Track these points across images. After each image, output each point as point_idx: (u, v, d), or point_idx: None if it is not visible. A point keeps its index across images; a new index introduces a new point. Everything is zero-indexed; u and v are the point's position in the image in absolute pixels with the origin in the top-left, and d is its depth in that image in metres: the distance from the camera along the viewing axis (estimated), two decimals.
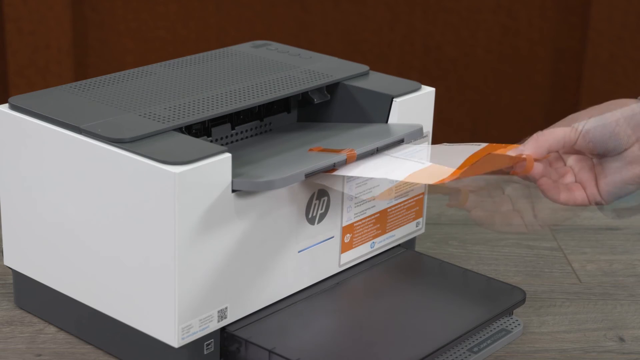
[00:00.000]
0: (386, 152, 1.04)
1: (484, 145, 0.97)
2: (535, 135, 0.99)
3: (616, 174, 0.98)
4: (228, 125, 1.11)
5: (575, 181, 1.01)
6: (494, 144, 0.98)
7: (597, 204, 1.00)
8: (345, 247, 1.10)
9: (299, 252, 1.05)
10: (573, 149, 1.00)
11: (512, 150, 0.98)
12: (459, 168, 0.93)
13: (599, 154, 0.99)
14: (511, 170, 0.99)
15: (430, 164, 0.99)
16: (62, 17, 2.20)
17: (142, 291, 0.96)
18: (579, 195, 1.00)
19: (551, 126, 0.99)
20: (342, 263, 1.11)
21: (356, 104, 1.14)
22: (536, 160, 0.98)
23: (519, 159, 0.98)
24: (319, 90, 1.14)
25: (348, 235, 1.10)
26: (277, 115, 1.17)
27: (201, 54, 1.19)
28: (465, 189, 0.99)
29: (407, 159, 1.02)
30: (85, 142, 0.96)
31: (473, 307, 1.08)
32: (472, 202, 1.00)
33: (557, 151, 1.01)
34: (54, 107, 1.02)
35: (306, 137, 1.11)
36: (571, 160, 1.02)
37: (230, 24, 2.29)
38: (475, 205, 1.01)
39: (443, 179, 0.93)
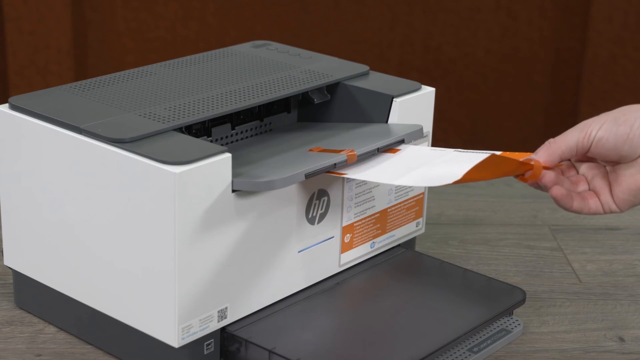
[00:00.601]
0: (393, 155, 1.04)
1: (494, 153, 0.96)
2: (547, 143, 0.97)
3: (630, 181, 0.96)
4: (228, 125, 1.11)
5: (589, 189, 0.99)
6: (504, 152, 0.97)
7: (611, 212, 0.98)
8: (345, 247, 1.10)
9: (299, 252, 1.04)
10: (586, 157, 0.98)
11: (523, 158, 0.97)
12: (467, 172, 0.92)
13: (612, 161, 0.97)
14: (520, 177, 0.97)
15: (436, 167, 0.98)
16: (62, 17, 2.20)
17: (142, 291, 0.96)
18: (593, 203, 0.98)
19: (563, 133, 0.97)
20: (342, 263, 1.10)
21: (356, 104, 1.14)
22: (548, 168, 0.96)
23: (526, 165, 0.96)
24: (319, 90, 1.14)
25: (348, 235, 1.10)
26: (277, 115, 1.17)
27: (201, 54, 1.19)
28: (538, 163, 0.96)
29: (414, 162, 1.01)
30: (85, 142, 0.96)
31: (473, 307, 1.08)
32: (550, 179, 0.97)
33: (570, 159, 0.99)
34: (54, 107, 1.02)
35: (306, 137, 1.11)
36: (584, 168, 1.00)
37: (230, 24, 2.29)
38: (554, 182, 0.97)
39: (448, 183, 0.92)
